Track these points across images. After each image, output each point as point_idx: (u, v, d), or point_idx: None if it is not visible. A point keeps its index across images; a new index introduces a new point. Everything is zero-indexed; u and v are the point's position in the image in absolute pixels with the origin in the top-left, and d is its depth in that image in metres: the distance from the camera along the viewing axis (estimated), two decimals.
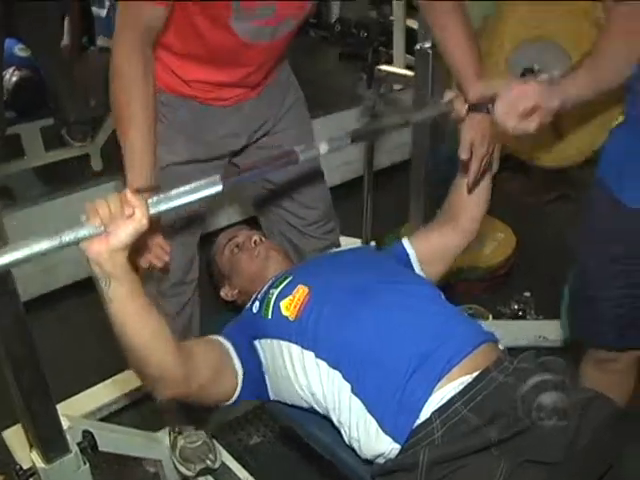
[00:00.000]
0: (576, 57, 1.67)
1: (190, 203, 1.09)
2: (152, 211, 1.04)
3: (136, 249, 1.36)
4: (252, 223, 2.00)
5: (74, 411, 1.90)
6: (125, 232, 1.01)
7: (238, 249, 1.65)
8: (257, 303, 1.42)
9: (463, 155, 1.47)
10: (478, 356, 1.20)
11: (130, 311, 1.08)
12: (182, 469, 1.83)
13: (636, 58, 1.24)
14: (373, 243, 2.69)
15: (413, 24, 3.37)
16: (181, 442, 1.84)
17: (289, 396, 1.36)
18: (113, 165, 2.07)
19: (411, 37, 3.25)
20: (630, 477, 1.31)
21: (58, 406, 1.32)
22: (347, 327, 1.26)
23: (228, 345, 1.37)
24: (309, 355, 1.28)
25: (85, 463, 1.39)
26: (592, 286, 1.44)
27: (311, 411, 1.34)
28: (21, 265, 0.94)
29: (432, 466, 1.08)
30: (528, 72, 1.81)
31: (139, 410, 2.19)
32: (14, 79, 3.56)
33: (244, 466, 1.87)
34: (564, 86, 1.26)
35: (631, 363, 1.55)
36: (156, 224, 1.38)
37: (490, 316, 2.42)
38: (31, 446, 1.34)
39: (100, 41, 4.31)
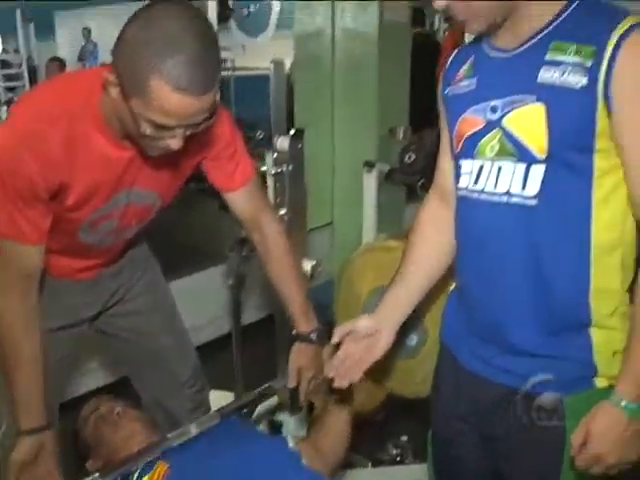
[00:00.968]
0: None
1: None
2: None
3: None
4: (119, 386, 2.00)
5: None
6: None
7: (101, 421, 1.64)
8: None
9: (290, 383, 1.71)
10: None
11: None
12: None
13: None
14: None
15: None
16: None
17: None
18: None
19: None
20: None
21: None
22: None
23: None
24: None
25: None
26: (447, 446, 1.46)
27: None
28: None
29: None
30: None
31: None
32: None
33: None
34: None
35: None
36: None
37: (369, 464, 2.43)
38: None
39: None
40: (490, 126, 1.21)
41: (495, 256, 1.24)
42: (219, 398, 2.26)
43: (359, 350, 1.41)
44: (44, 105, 1.33)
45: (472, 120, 1.24)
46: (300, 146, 1.97)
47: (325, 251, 3.51)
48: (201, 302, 3.01)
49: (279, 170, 1.96)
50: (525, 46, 1.17)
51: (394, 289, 1.43)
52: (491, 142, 1.21)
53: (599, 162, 1.13)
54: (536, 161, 1.15)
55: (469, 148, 1.25)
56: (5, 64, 7.38)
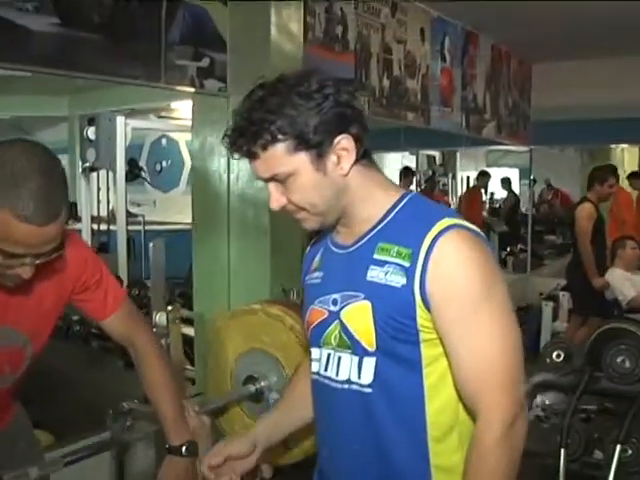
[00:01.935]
0: (286, 362, 1.95)
1: None
2: None
3: None
4: None
5: None
6: None
7: None
8: None
9: None
10: None
11: None
12: None
13: None
14: None
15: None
16: None
17: None
18: None
19: None
20: None
21: None
22: None
23: None
24: None
25: None
26: None
27: None
28: None
29: None
30: (249, 379, 2.05)
31: None
32: None
33: None
34: None
35: None
36: None
37: None
38: None
39: None
40: (331, 318, 1.30)
41: (343, 437, 1.31)
42: None
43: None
44: None
45: (318, 311, 1.33)
46: (178, 319, 2.01)
47: None
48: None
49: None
50: (358, 244, 1.29)
51: (275, 415, 1.55)
52: (333, 333, 1.30)
53: (425, 351, 1.21)
54: (367, 354, 1.24)
55: (316, 337, 1.34)
56: None
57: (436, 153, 9.83)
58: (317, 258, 1.40)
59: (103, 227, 6.83)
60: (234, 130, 1.23)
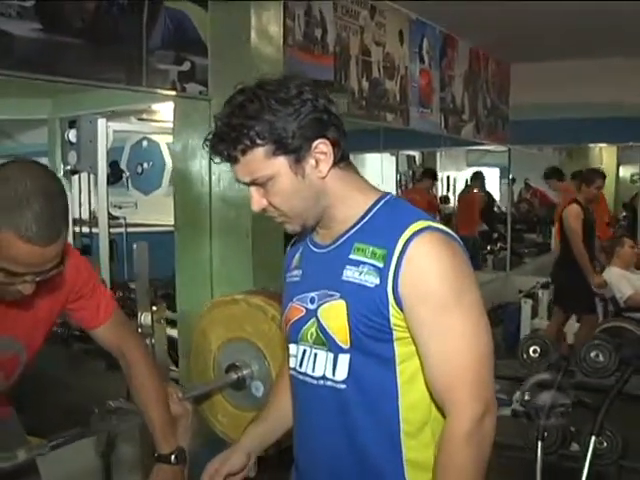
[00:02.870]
0: (267, 352, 1.97)
1: None
2: None
3: None
4: None
5: None
6: None
7: None
8: None
9: None
10: None
11: None
12: None
13: None
14: None
15: None
16: None
17: None
18: None
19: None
20: None
21: None
22: None
23: None
24: None
25: None
26: None
27: None
28: None
29: None
30: (232, 367, 2.06)
31: None
32: None
33: None
34: None
35: None
36: None
37: None
38: None
39: None
40: (309, 315, 1.33)
41: (319, 432, 1.35)
42: None
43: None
44: None
45: (296, 308, 1.37)
46: (163, 320, 2.04)
47: None
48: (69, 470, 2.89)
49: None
50: (335, 244, 1.33)
51: (258, 424, 1.56)
52: (310, 330, 1.33)
53: (399, 349, 1.26)
54: (342, 351, 1.28)
55: (293, 333, 1.38)
56: None
57: (416, 153, 9.90)
58: (297, 256, 1.43)
59: (85, 230, 6.82)
60: (215, 135, 1.27)
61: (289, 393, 1.49)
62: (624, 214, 10.80)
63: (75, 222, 6.52)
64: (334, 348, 1.28)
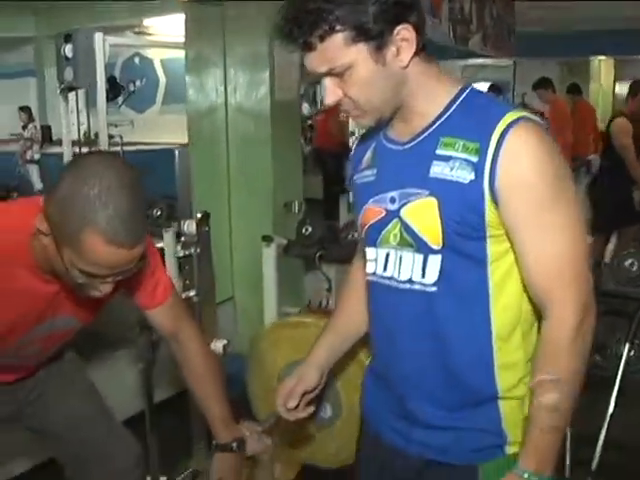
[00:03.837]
0: (339, 374, 1.80)
1: None
2: None
3: None
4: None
5: None
6: None
7: None
8: None
9: None
10: None
11: None
12: None
13: None
14: (164, 478, 2.62)
15: None
16: None
17: None
18: None
19: None
20: None
21: None
22: None
23: None
24: None
25: None
26: None
27: None
28: None
29: None
30: None
31: None
32: None
33: None
34: None
35: None
36: None
37: None
38: None
39: None
40: (390, 216, 1.26)
41: (404, 338, 1.29)
42: None
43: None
44: None
45: (374, 210, 1.29)
46: (207, 229, 1.99)
47: (228, 326, 3.49)
48: (110, 386, 2.93)
49: (187, 253, 1.96)
50: (417, 140, 1.24)
51: (331, 336, 1.50)
52: (393, 231, 1.26)
53: (492, 247, 1.19)
54: (432, 251, 1.21)
55: (373, 236, 1.30)
56: None
57: None
58: (368, 155, 1.35)
59: (85, 150, 6.66)
60: (288, 20, 1.16)
61: (360, 300, 1.44)
62: None
63: (74, 144, 6.36)
64: (423, 249, 1.21)
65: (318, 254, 3.10)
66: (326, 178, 6.91)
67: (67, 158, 5.84)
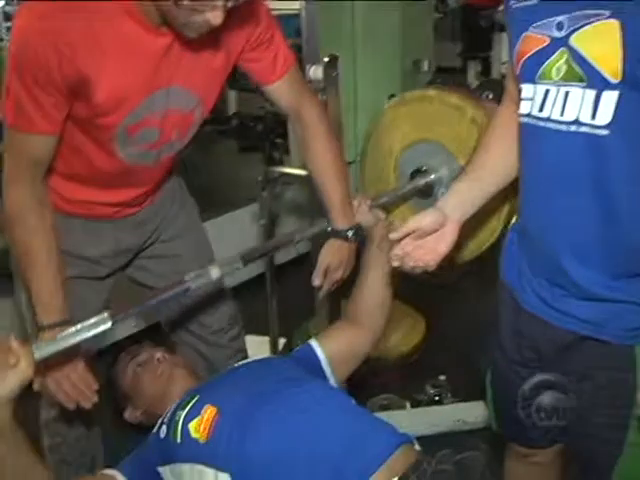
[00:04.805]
0: (460, 156, 1.74)
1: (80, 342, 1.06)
2: (39, 355, 1.00)
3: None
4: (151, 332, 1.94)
5: None
6: (9, 384, 0.96)
7: (140, 368, 1.57)
8: (164, 427, 1.34)
9: (316, 281, 1.64)
10: (395, 461, 1.16)
11: (10, 470, 1.01)
12: None
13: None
14: (283, 340, 2.66)
15: None
16: None
17: None
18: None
19: None
20: None
21: None
22: (255, 442, 1.22)
23: None
24: (224, 477, 1.21)
25: None
26: (508, 390, 1.37)
27: None
28: None
29: None
30: (416, 173, 1.86)
31: None
32: None
33: None
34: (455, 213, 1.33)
35: (554, 456, 1.48)
36: (74, 354, 1.32)
37: (408, 404, 2.38)
38: None
39: None
40: (555, 45, 1.07)
41: (562, 191, 1.13)
42: (254, 343, 2.21)
43: (423, 248, 1.33)
44: None
45: (534, 38, 1.10)
46: (335, 74, 1.87)
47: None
48: (228, 245, 2.96)
49: None
50: None
51: (466, 183, 1.35)
52: (557, 64, 1.08)
53: None
54: (608, 86, 1.02)
55: (530, 70, 1.12)
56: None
57: None
58: None
59: None
60: None
61: (504, 146, 1.29)
62: None
63: None
64: (597, 83, 1.03)
65: None
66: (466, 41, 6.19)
67: None
